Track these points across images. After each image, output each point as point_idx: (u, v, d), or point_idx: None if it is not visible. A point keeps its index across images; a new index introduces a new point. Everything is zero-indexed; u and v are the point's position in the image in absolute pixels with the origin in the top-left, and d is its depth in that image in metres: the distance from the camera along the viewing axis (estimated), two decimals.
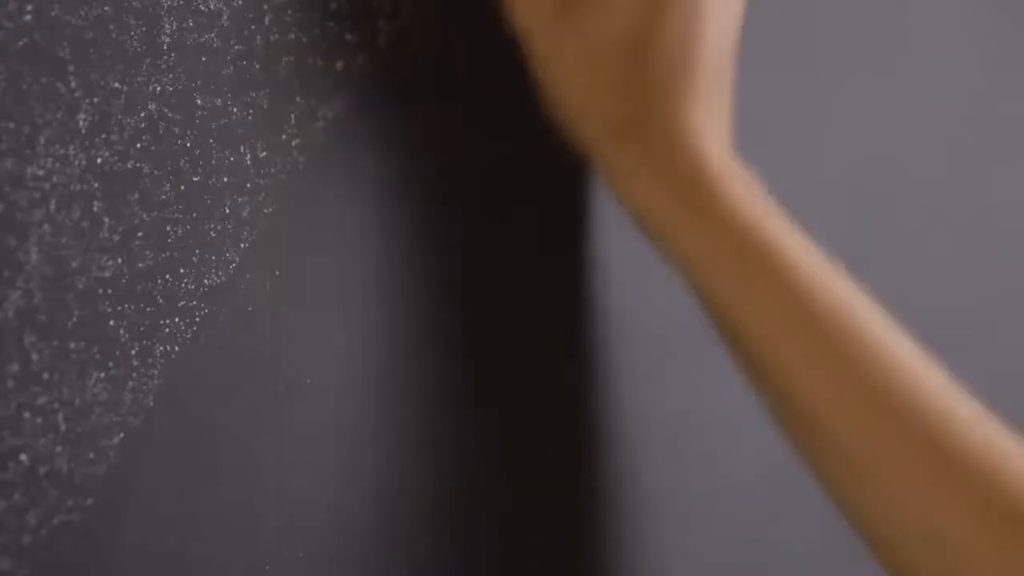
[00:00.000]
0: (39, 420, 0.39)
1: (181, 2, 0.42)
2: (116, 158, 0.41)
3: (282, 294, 0.45)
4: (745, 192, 0.46)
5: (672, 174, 0.46)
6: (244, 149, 0.44)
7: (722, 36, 0.46)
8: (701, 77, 0.46)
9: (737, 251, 0.46)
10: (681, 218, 0.46)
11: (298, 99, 0.45)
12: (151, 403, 0.42)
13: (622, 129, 0.46)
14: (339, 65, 0.46)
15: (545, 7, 0.47)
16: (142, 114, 0.41)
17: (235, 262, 0.44)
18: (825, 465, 0.46)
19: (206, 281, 0.43)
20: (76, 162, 0.40)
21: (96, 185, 0.40)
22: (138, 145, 0.41)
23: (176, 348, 0.42)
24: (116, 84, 0.40)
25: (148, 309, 0.41)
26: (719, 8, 0.46)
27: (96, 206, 0.40)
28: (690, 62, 0.46)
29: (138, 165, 0.41)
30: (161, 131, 0.42)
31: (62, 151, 0.39)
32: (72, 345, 0.40)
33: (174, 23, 0.42)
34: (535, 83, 0.49)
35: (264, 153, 0.44)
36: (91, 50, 0.40)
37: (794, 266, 0.46)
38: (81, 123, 0.40)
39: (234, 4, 0.43)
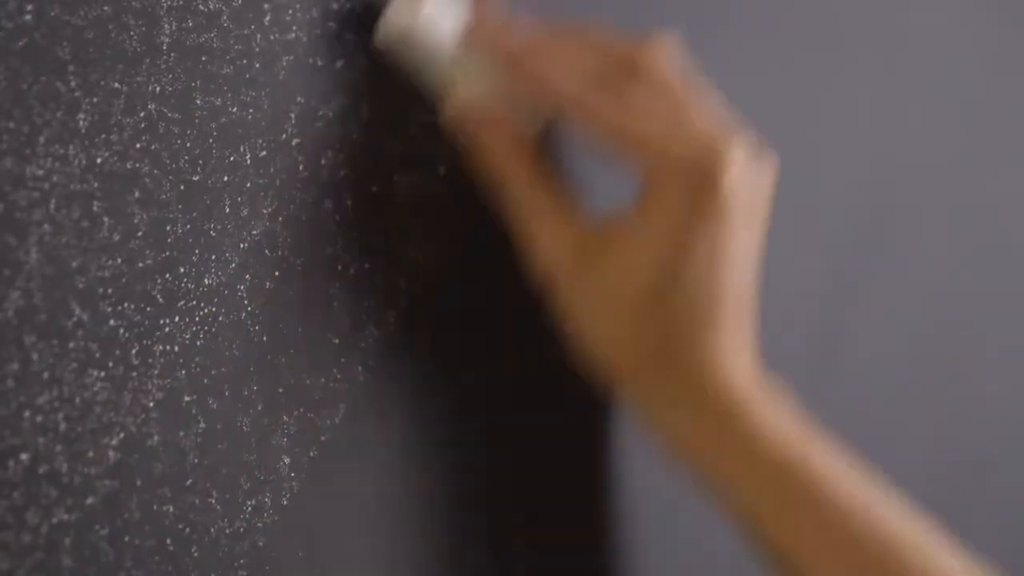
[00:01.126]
0: (39, 419, 0.39)
1: (181, 2, 0.42)
2: (116, 158, 0.41)
3: (281, 294, 0.45)
4: (777, 418, 0.47)
5: (704, 407, 0.47)
6: (244, 149, 0.44)
7: (744, 270, 0.47)
8: (726, 312, 0.46)
9: (772, 478, 0.46)
10: (713, 449, 0.47)
11: (298, 99, 0.45)
12: (151, 403, 0.42)
13: (649, 365, 0.47)
14: (339, 64, 0.46)
15: (565, 255, 0.47)
16: (142, 114, 0.41)
17: (235, 262, 0.44)
18: None
19: (206, 281, 0.43)
20: (76, 162, 0.40)
21: (96, 185, 0.40)
22: (138, 145, 0.41)
23: (176, 348, 0.42)
24: (116, 84, 0.40)
25: (148, 309, 0.41)
26: (740, 244, 0.47)
27: (96, 206, 0.40)
28: (714, 299, 0.46)
29: (138, 165, 0.41)
30: (161, 131, 0.42)
31: (62, 151, 0.39)
32: (72, 345, 0.40)
33: (174, 23, 0.42)
34: (558, 327, 0.49)
35: (264, 153, 0.44)
36: (91, 50, 0.40)
37: (830, 489, 0.46)
38: (81, 123, 0.40)
39: (234, 4, 0.43)
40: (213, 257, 0.43)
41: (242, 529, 0.44)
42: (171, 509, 0.42)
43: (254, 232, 0.44)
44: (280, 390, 0.45)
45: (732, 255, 0.46)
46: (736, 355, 0.47)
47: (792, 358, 0.60)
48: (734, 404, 0.46)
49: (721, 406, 0.46)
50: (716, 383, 0.46)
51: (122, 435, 0.41)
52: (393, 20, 0.46)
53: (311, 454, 0.45)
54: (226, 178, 0.44)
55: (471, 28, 0.47)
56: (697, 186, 0.46)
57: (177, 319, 0.42)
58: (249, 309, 0.44)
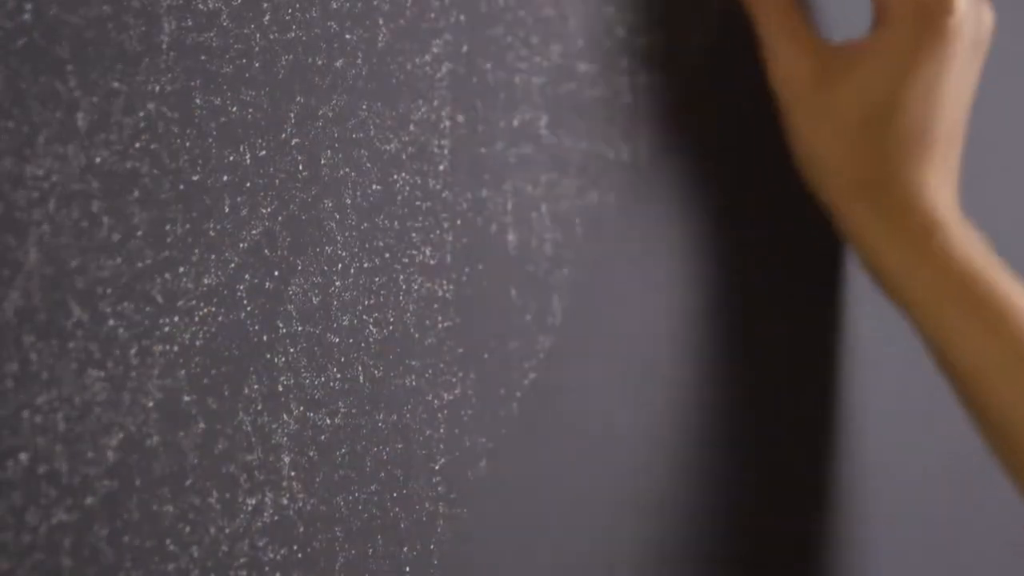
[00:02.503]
0: (38, 419, 0.39)
1: (180, 1, 0.42)
2: (115, 157, 0.41)
3: (281, 294, 0.45)
4: (971, 244, 0.51)
5: (905, 229, 0.51)
6: (244, 148, 0.44)
7: (958, 106, 0.52)
8: (937, 144, 0.51)
9: (961, 295, 0.51)
10: (911, 266, 0.51)
11: (298, 98, 0.45)
12: (150, 403, 0.42)
13: (862, 188, 0.52)
14: (339, 64, 0.46)
15: (803, 78, 0.53)
16: (141, 113, 0.41)
17: (234, 262, 0.44)
18: None
19: (205, 281, 0.43)
20: (75, 161, 0.40)
21: (95, 184, 0.40)
22: (137, 144, 0.41)
23: (175, 348, 0.42)
24: (115, 83, 0.40)
25: (147, 308, 0.41)
26: (957, 82, 0.51)
27: (95, 205, 0.40)
28: (928, 130, 0.51)
29: (137, 164, 0.41)
30: (160, 130, 0.42)
31: (61, 150, 0.39)
32: (71, 345, 0.40)
33: (173, 22, 0.42)
34: (789, 145, 0.55)
35: (264, 152, 0.44)
36: (90, 49, 0.40)
37: (1014, 309, 0.51)
38: (80, 122, 0.40)
39: (233, 3, 0.43)
40: (212, 257, 0.43)
41: (242, 529, 0.44)
42: (171, 509, 0.42)
43: (254, 232, 0.44)
44: (280, 390, 0.45)
45: (949, 90, 0.51)
46: (939, 185, 0.51)
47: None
48: (932, 226, 0.51)
49: (920, 228, 0.51)
50: (918, 208, 0.51)
51: (121, 435, 0.41)
52: None
53: (311, 454, 0.45)
54: (225, 178, 0.43)
55: None
56: (924, 24, 0.51)
57: (176, 319, 0.42)
58: (249, 309, 0.44)
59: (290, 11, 0.45)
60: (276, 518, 0.45)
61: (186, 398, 0.42)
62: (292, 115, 0.45)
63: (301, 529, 0.45)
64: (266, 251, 0.44)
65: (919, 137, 0.51)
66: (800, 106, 0.53)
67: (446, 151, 0.49)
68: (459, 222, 0.49)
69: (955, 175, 0.52)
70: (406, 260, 0.48)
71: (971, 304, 0.50)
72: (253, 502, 0.44)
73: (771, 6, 0.54)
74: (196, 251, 0.43)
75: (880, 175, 0.51)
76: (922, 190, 0.51)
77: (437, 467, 0.48)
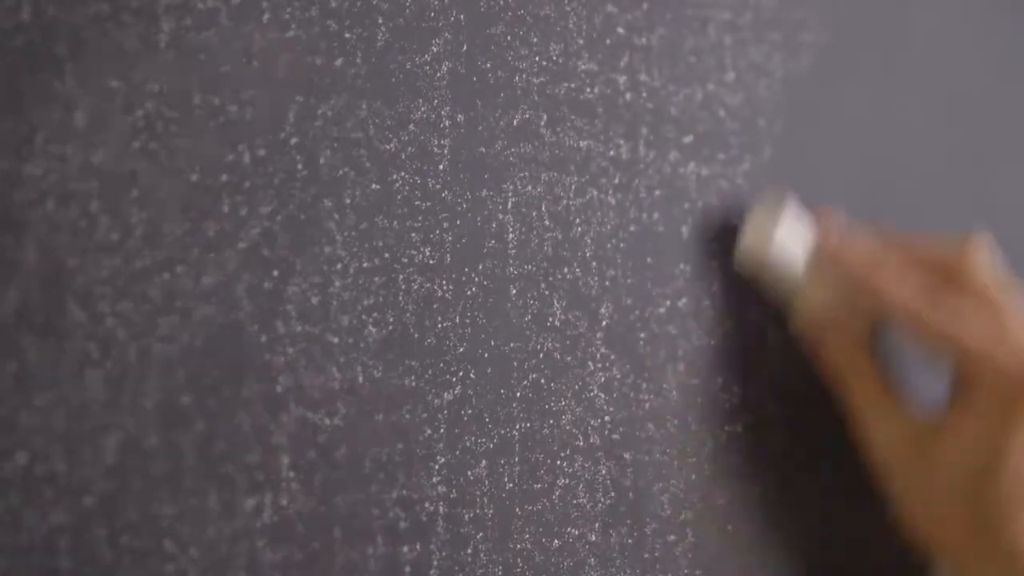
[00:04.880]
0: (37, 420, 0.39)
1: (179, 0, 0.42)
2: (114, 157, 0.40)
3: (280, 294, 0.45)
4: None
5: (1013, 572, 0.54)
6: (243, 148, 0.44)
7: None
8: None
9: None
10: None
11: (297, 97, 0.45)
12: (149, 404, 0.42)
13: (970, 543, 0.55)
14: (339, 63, 0.46)
15: (902, 443, 0.56)
16: (140, 113, 0.41)
17: (234, 262, 0.43)
18: None
19: (204, 281, 0.43)
20: (74, 161, 0.40)
21: (94, 184, 0.40)
22: (136, 144, 0.41)
23: (175, 348, 0.42)
24: (114, 82, 0.40)
25: (146, 308, 0.41)
26: None
27: (94, 205, 0.40)
28: None
29: (136, 164, 0.41)
30: (159, 130, 0.42)
31: (60, 150, 0.39)
32: (70, 344, 0.40)
33: (172, 21, 0.42)
34: (896, 509, 0.57)
35: (263, 152, 0.44)
36: (89, 48, 0.40)
37: None
38: (78, 121, 0.40)
39: (232, 2, 0.43)
40: (212, 256, 0.43)
41: (241, 530, 0.44)
42: (169, 510, 0.42)
43: (253, 232, 0.44)
44: (279, 390, 0.45)
45: None
46: None
47: None
48: None
49: None
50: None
51: (120, 435, 0.41)
52: (750, 245, 0.54)
53: (311, 454, 0.45)
54: (225, 177, 0.43)
55: (819, 248, 0.56)
56: (1014, 396, 0.54)
57: (176, 319, 0.42)
58: (248, 309, 0.44)
59: (289, 10, 0.45)
60: (275, 519, 0.44)
61: (185, 398, 0.42)
62: (291, 114, 0.45)
63: (301, 529, 0.45)
64: (265, 251, 0.44)
65: (1018, 501, 0.54)
66: (904, 474, 0.56)
67: (446, 151, 0.49)
68: (459, 222, 0.49)
69: None
70: (406, 260, 0.48)
71: None
72: (252, 503, 0.44)
73: (864, 379, 0.57)
74: (195, 251, 0.42)
75: (988, 533, 0.54)
76: None
77: (437, 467, 0.48)
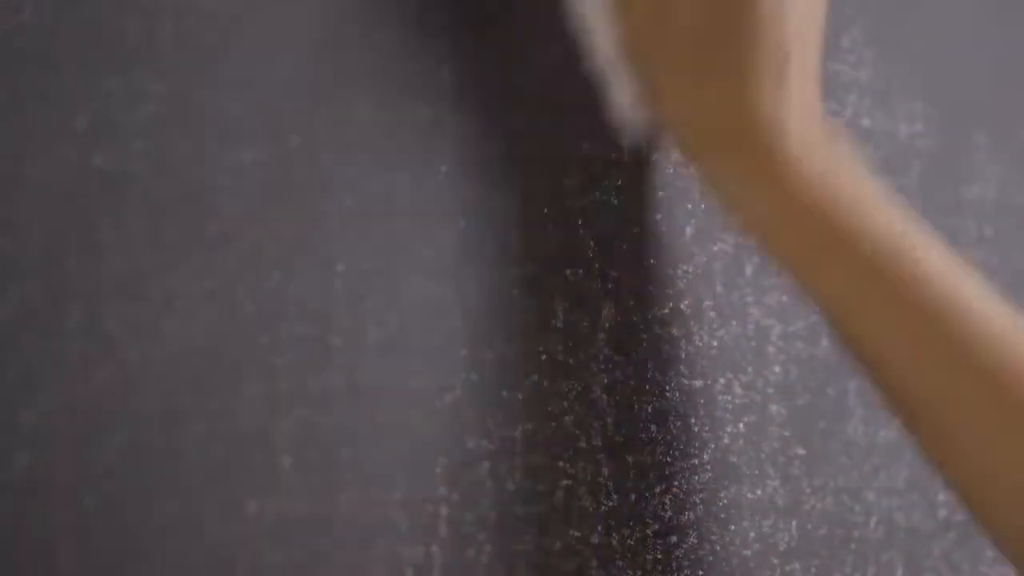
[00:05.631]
0: (37, 420, 0.39)
1: (179, 1, 0.42)
2: (114, 158, 0.41)
3: (281, 294, 0.45)
4: (824, 169, 0.46)
5: (749, 152, 0.46)
6: (243, 148, 0.44)
7: (804, 21, 0.47)
8: (780, 60, 0.46)
9: (811, 227, 0.46)
10: (755, 197, 0.47)
11: (297, 97, 0.45)
12: (150, 405, 0.42)
13: (717, 135, 0.47)
14: (339, 63, 0.46)
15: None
16: (140, 113, 0.41)
17: (234, 262, 0.44)
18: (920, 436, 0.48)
19: (205, 282, 0.43)
20: (74, 162, 0.40)
21: (94, 184, 0.40)
22: (136, 144, 0.41)
23: (175, 349, 0.42)
24: (114, 83, 0.40)
25: (146, 309, 0.41)
26: None
27: (94, 206, 0.40)
28: (781, 45, 0.46)
29: (136, 165, 0.41)
30: (159, 130, 0.42)
31: (60, 151, 0.39)
32: (70, 346, 0.40)
33: (172, 22, 0.42)
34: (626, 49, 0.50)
35: (263, 152, 0.44)
36: (89, 49, 0.40)
37: (865, 234, 0.46)
38: (79, 122, 0.40)
39: (232, 2, 0.43)
40: (212, 257, 0.43)
41: (243, 531, 0.44)
42: (170, 511, 0.42)
43: (253, 232, 0.44)
44: (280, 391, 0.45)
45: (793, 3, 0.47)
46: (785, 105, 0.47)
47: None
48: (775, 150, 0.46)
49: (764, 152, 0.46)
50: (761, 131, 0.46)
51: (122, 437, 0.41)
52: None
53: (311, 454, 0.45)
54: (225, 177, 0.43)
55: None
56: None
57: (177, 320, 0.42)
58: (248, 309, 0.44)
59: (289, 10, 0.45)
60: (276, 519, 0.44)
61: (186, 399, 0.42)
62: (291, 114, 0.45)
63: (302, 531, 0.45)
64: (265, 251, 0.44)
65: (761, 52, 0.47)
66: (635, 32, 0.48)
67: (447, 151, 0.49)
68: (459, 222, 0.49)
69: (809, 91, 0.47)
70: (407, 261, 0.48)
71: (819, 232, 0.46)
72: (254, 504, 0.44)
73: None
74: (195, 251, 0.43)
75: (720, 96, 0.47)
76: (763, 109, 0.46)
77: (437, 467, 0.48)
